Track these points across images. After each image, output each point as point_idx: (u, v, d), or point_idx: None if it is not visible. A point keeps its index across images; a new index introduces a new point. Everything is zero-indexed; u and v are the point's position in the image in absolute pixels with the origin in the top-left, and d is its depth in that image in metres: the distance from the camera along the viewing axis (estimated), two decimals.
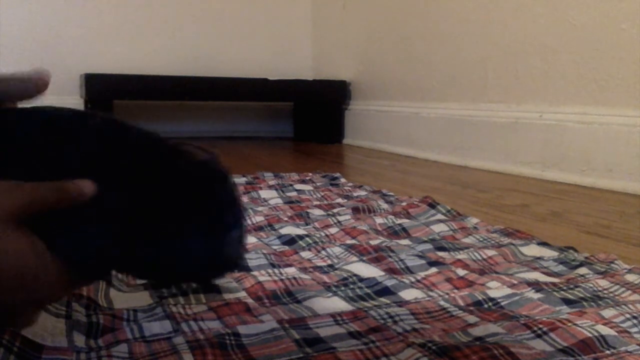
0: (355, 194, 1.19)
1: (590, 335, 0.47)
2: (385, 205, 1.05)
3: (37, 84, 0.45)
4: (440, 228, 0.89)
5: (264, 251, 0.74)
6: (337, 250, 0.76)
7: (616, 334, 0.48)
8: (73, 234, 0.40)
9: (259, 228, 0.89)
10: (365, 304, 0.57)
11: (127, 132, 0.44)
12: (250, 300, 0.56)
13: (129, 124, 0.44)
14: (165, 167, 0.43)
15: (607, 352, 0.46)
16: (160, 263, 0.41)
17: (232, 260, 0.45)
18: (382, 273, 0.66)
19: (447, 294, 0.60)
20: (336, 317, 0.52)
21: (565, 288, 0.61)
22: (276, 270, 0.67)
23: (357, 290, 0.61)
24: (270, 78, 2.55)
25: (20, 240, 0.38)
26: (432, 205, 1.02)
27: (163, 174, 0.43)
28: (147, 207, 0.41)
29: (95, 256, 0.40)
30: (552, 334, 0.48)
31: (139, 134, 0.44)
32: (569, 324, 0.49)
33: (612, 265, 0.70)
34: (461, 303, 0.58)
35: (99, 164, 0.42)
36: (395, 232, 0.88)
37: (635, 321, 0.52)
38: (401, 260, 0.70)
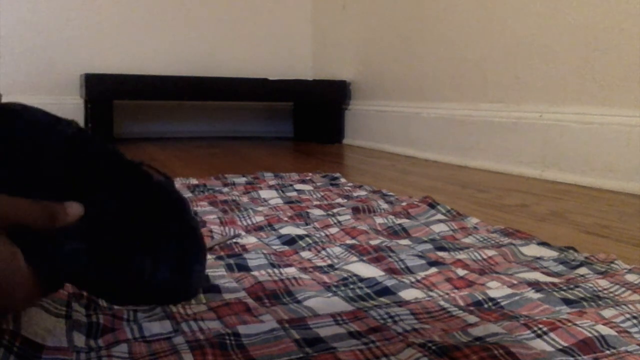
0: (355, 194, 1.19)
1: (590, 335, 0.47)
2: (385, 205, 1.05)
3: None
4: (440, 228, 0.89)
5: (264, 251, 0.74)
6: (337, 250, 0.76)
7: (616, 334, 0.48)
8: (49, 249, 0.41)
9: (259, 228, 0.89)
10: (365, 304, 0.57)
11: (94, 144, 0.44)
12: (250, 300, 0.56)
13: (94, 137, 0.45)
14: (128, 186, 0.44)
15: (607, 352, 0.46)
16: (113, 282, 0.42)
17: (195, 290, 0.45)
18: (382, 273, 0.66)
19: (447, 294, 0.60)
20: (336, 317, 0.52)
21: (565, 288, 0.61)
22: (276, 270, 0.67)
23: (357, 290, 0.61)
24: (270, 78, 2.55)
25: (3, 249, 0.38)
26: (432, 205, 1.02)
27: (127, 193, 0.43)
28: (109, 226, 0.42)
29: (66, 271, 0.41)
30: (552, 334, 0.48)
31: (105, 150, 0.44)
32: (569, 324, 0.49)
33: (612, 265, 0.70)
34: (461, 303, 0.58)
35: (69, 177, 0.42)
36: (395, 232, 0.88)
37: (635, 321, 0.52)
38: (401, 260, 0.70)
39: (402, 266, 0.69)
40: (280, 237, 0.83)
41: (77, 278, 0.41)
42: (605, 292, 0.61)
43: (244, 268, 0.68)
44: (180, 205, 0.45)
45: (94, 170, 0.43)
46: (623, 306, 0.55)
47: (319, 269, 0.68)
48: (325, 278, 0.65)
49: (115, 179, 0.44)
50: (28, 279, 0.40)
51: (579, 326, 0.49)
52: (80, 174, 0.43)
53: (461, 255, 0.75)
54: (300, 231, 0.86)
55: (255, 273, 0.65)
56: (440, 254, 0.76)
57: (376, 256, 0.72)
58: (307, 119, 2.80)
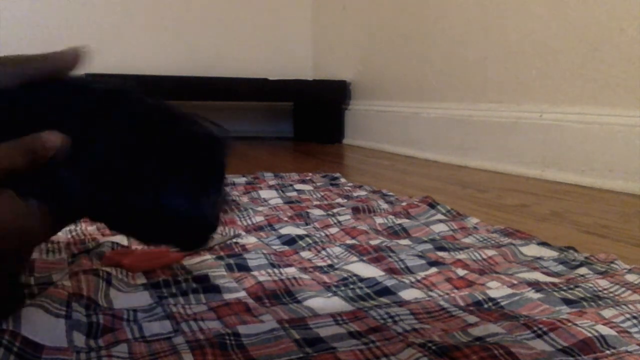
0: (355, 194, 1.19)
1: (590, 335, 0.47)
2: (385, 205, 1.05)
3: (67, 63, 0.45)
4: (440, 228, 0.89)
5: (264, 251, 0.74)
6: (337, 250, 0.76)
7: (616, 334, 0.48)
8: (52, 181, 0.40)
9: (259, 228, 0.89)
10: (365, 304, 0.57)
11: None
12: (250, 300, 0.56)
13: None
14: (157, 120, 0.44)
15: (607, 352, 0.46)
16: (138, 213, 0.42)
17: (211, 222, 0.45)
18: (382, 273, 0.66)
19: (447, 294, 0.60)
20: (336, 317, 0.52)
21: (565, 288, 0.61)
22: (276, 270, 0.67)
23: (357, 290, 0.61)
24: (270, 78, 2.55)
25: (14, 204, 0.38)
26: (432, 205, 1.02)
27: (154, 125, 0.43)
28: (131, 155, 0.42)
29: (77, 201, 0.41)
30: (552, 334, 0.48)
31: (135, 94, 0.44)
32: (569, 324, 0.49)
33: (612, 265, 0.70)
34: (461, 303, 0.58)
35: (86, 115, 0.42)
36: (395, 232, 0.88)
37: (635, 321, 0.52)
38: (401, 260, 0.70)
39: (402, 266, 0.69)
40: (280, 237, 0.83)
41: (83, 205, 0.41)
42: (605, 292, 0.61)
43: (244, 268, 0.68)
44: (215, 142, 0.45)
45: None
46: (623, 306, 0.55)
47: (319, 269, 0.68)
48: (325, 278, 0.65)
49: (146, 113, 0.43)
50: (35, 215, 0.39)
51: (579, 326, 0.49)
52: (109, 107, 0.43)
53: (461, 255, 0.75)
54: (300, 231, 0.86)
55: (255, 273, 0.65)
56: (440, 254, 0.76)
57: (376, 256, 0.72)
58: (307, 119, 2.80)
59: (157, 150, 0.42)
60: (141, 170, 0.42)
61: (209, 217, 0.44)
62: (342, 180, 1.40)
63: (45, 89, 0.44)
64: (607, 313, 0.53)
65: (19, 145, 0.39)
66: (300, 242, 0.80)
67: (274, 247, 0.79)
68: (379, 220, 0.93)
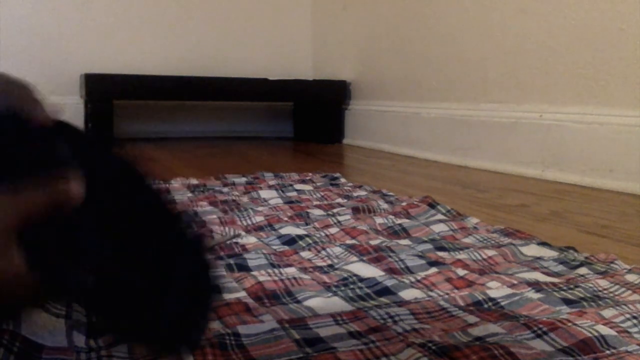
0: (355, 194, 1.19)
1: (590, 335, 0.47)
2: (385, 205, 1.05)
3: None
4: (440, 228, 0.89)
5: (264, 251, 0.74)
6: (337, 250, 0.76)
7: (616, 334, 0.48)
8: (56, 253, 0.39)
9: (259, 228, 0.89)
10: (365, 304, 0.57)
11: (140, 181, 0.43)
12: (250, 300, 0.56)
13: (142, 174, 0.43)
14: (161, 226, 0.42)
15: (607, 352, 0.46)
16: (116, 309, 0.40)
17: (190, 338, 0.44)
18: (382, 273, 0.66)
19: (447, 294, 0.60)
20: (336, 317, 0.52)
21: (565, 288, 0.61)
22: (276, 270, 0.67)
23: (357, 290, 0.61)
24: (270, 78, 2.55)
25: (14, 256, 0.37)
26: (432, 205, 1.02)
27: (158, 231, 0.42)
28: (129, 255, 0.41)
29: (72, 284, 0.39)
30: (552, 334, 0.48)
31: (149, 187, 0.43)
32: (569, 324, 0.49)
33: (612, 265, 0.70)
34: (461, 303, 0.58)
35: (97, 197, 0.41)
36: (395, 232, 0.88)
37: (635, 321, 0.52)
38: (401, 260, 0.70)
39: (402, 266, 0.69)
40: (280, 237, 0.83)
41: (78, 298, 0.40)
42: (605, 292, 0.61)
43: (244, 268, 0.68)
44: (202, 260, 0.44)
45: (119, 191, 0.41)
46: (623, 306, 0.55)
47: (319, 269, 0.68)
48: (325, 278, 0.65)
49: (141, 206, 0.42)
50: (31, 288, 0.38)
51: (579, 326, 0.49)
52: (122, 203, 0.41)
53: (461, 255, 0.75)
54: (300, 231, 0.86)
55: (255, 273, 0.65)
56: (440, 254, 0.76)
57: (376, 256, 0.72)
58: (307, 119, 2.80)
59: (161, 257, 0.41)
60: (145, 268, 0.40)
61: (195, 333, 0.44)
62: (342, 180, 1.40)
63: (73, 136, 0.42)
64: (607, 313, 0.53)
65: (45, 189, 0.36)
66: (300, 242, 0.80)
67: (274, 247, 0.78)
68: (379, 220, 0.93)
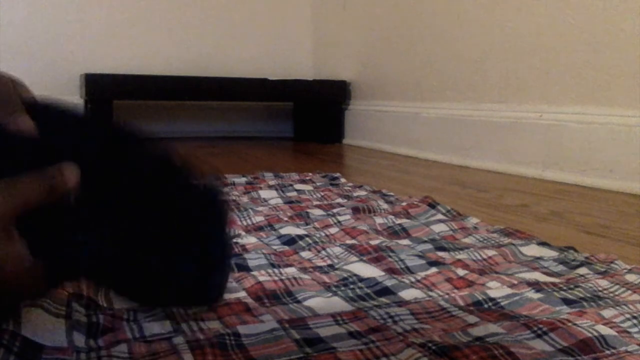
0: (355, 194, 1.19)
1: (590, 335, 0.47)
2: (385, 205, 1.05)
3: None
4: (440, 228, 0.89)
5: (264, 251, 0.74)
6: (337, 250, 0.76)
7: (616, 334, 0.48)
8: (58, 237, 0.38)
9: (259, 228, 0.89)
10: (365, 304, 0.57)
11: (138, 138, 0.42)
12: (250, 300, 0.56)
13: (139, 132, 0.42)
14: (171, 183, 0.41)
15: (607, 352, 0.46)
16: (146, 275, 0.40)
17: (217, 290, 0.43)
18: (382, 273, 0.66)
19: (447, 294, 0.60)
20: (336, 317, 0.52)
21: (565, 288, 0.61)
22: (276, 270, 0.67)
23: (357, 290, 0.61)
24: (270, 78, 2.55)
25: (11, 244, 0.37)
26: (432, 205, 1.02)
27: (168, 189, 0.41)
28: (144, 213, 0.40)
29: (80, 262, 0.39)
30: (552, 334, 0.48)
31: (150, 142, 0.42)
32: (569, 324, 0.49)
33: (612, 265, 0.70)
34: (461, 303, 0.58)
35: (100, 164, 0.40)
36: (395, 232, 0.88)
37: (635, 321, 0.52)
38: (401, 260, 0.70)
39: (402, 266, 0.69)
40: (280, 237, 0.83)
41: (86, 273, 0.40)
42: (605, 292, 0.61)
43: (244, 268, 0.68)
44: (214, 212, 0.43)
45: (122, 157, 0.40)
46: (623, 306, 0.55)
47: (319, 269, 0.68)
48: (325, 278, 0.65)
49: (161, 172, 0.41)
50: (34, 274, 0.38)
51: (579, 326, 0.49)
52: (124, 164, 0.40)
53: (461, 255, 0.75)
54: (300, 231, 0.86)
55: (255, 273, 0.65)
56: (440, 254, 0.76)
57: (376, 256, 0.72)
58: (307, 119, 2.80)
59: (170, 211, 0.40)
60: (154, 231, 0.39)
61: (215, 285, 0.43)
62: (342, 180, 1.40)
63: (61, 120, 0.42)
64: (607, 313, 0.53)
65: (39, 176, 0.37)
66: (300, 242, 0.80)
67: (274, 247, 0.78)
68: (379, 220, 0.93)
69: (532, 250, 0.77)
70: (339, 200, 1.13)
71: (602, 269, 0.69)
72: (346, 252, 0.75)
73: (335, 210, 1.01)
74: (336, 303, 0.57)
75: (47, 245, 0.38)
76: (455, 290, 0.61)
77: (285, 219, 0.94)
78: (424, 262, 0.70)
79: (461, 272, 0.66)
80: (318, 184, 1.33)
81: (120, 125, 0.42)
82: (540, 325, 0.50)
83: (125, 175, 0.40)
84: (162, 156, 0.42)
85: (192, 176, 0.42)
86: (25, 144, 0.39)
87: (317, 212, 0.99)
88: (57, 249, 0.38)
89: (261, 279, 0.63)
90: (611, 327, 0.49)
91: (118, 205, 0.39)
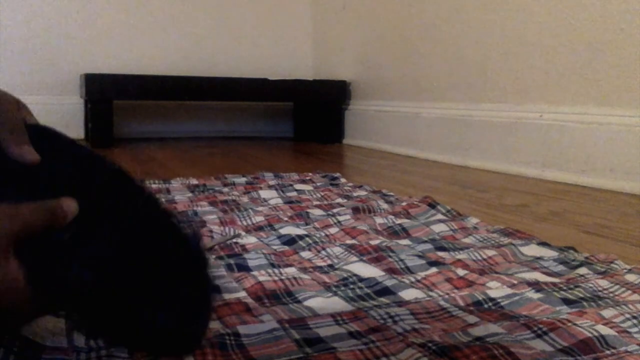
0: (355, 194, 1.19)
1: (590, 335, 0.47)
2: (385, 205, 1.05)
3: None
4: (440, 228, 0.89)
5: (264, 251, 0.74)
6: (337, 250, 0.76)
7: (616, 334, 0.48)
8: (52, 266, 0.39)
9: (259, 228, 0.89)
10: (365, 304, 0.57)
11: (130, 187, 0.44)
12: (250, 300, 0.56)
13: (133, 180, 0.44)
14: (156, 234, 0.43)
15: (607, 352, 0.46)
16: (111, 318, 0.41)
17: (198, 338, 0.44)
18: (382, 273, 0.66)
19: (447, 294, 0.60)
20: (336, 317, 0.52)
21: (565, 288, 0.61)
22: (276, 270, 0.67)
23: (357, 290, 0.61)
24: (270, 78, 2.55)
25: (11, 268, 0.37)
26: (432, 205, 1.02)
27: (153, 240, 0.43)
28: (133, 255, 0.41)
29: (69, 294, 0.40)
30: (552, 334, 0.48)
31: (139, 193, 0.44)
32: (569, 324, 0.49)
33: (612, 265, 0.70)
34: (461, 303, 0.58)
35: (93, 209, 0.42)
36: (395, 232, 0.88)
37: (635, 321, 0.52)
38: (401, 260, 0.70)
39: (402, 266, 0.69)
40: (280, 237, 0.83)
41: (75, 306, 0.40)
42: (605, 292, 0.61)
43: (244, 268, 0.68)
44: (198, 261, 0.44)
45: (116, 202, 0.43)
46: (623, 306, 0.55)
47: (319, 269, 0.68)
48: (325, 278, 0.65)
49: (142, 220, 0.43)
50: (29, 301, 0.39)
51: (579, 326, 0.49)
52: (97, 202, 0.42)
53: (461, 255, 0.75)
54: (300, 231, 0.86)
55: (255, 273, 0.65)
56: (440, 254, 0.76)
57: (376, 256, 0.72)
58: (307, 119, 2.80)
59: (158, 259, 0.42)
60: (140, 273, 0.41)
61: (197, 335, 0.44)
62: (342, 180, 1.40)
63: (64, 156, 0.45)
64: (607, 313, 0.53)
65: (40, 206, 0.40)
66: (300, 242, 0.80)
67: (274, 247, 0.78)
68: (379, 220, 0.93)
69: (532, 250, 0.77)
70: (339, 200, 1.13)
71: (602, 269, 0.69)
72: (346, 252, 0.75)
73: (335, 210, 1.01)
74: (336, 303, 0.57)
75: (39, 273, 0.39)
76: (455, 290, 0.61)
77: (285, 219, 0.94)
78: (424, 262, 0.70)
79: (461, 272, 0.66)
80: (318, 184, 1.33)
81: (117, 168, 0.45)
82: (540, 325, 0.50)
83: (114, 216, 0.43)
84: (153, 204, 0.45)
85: (176, 224, 0.44)
86: (28, 173, 0.42)
87: (317, 212, 0.99)
88: (47, 278, 0.39)
89: (261, 279, 0.63)
90: (611, 327, 0.49)
91: (103, 243, 0.41)
